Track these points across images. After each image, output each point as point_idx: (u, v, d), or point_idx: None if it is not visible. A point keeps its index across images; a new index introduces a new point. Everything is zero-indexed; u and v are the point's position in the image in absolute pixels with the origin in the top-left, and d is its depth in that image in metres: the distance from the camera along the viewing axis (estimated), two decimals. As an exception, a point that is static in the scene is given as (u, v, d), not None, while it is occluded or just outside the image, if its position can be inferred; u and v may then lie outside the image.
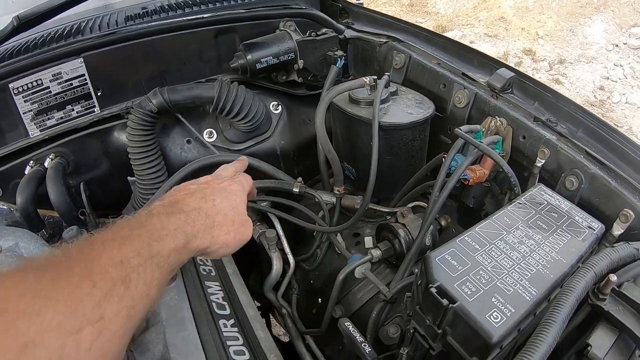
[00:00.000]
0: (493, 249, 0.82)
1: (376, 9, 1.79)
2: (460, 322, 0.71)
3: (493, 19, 6.92)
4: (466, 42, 6.10)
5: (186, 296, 0.95)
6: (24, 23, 1.24)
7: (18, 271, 0.46)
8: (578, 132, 1.12)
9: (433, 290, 0.73)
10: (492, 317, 0.69)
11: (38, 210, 1.28)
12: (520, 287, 0.74)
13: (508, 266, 0.78)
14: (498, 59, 1.36)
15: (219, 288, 1.05)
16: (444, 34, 1.59)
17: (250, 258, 1.65)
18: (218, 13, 1.57)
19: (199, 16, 1.53)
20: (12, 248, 1.08)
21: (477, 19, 7.10)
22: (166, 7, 1.65)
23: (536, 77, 5.61)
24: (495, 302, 0.71)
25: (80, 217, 1.32)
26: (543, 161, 1.09)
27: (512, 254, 0.81)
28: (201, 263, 1.10)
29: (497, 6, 7.06)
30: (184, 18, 1.51)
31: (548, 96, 1.20)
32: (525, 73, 1.28)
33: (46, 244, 1.11)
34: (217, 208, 0.74)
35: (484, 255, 0.81)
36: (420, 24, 7.03)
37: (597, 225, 0.90)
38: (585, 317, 0.83)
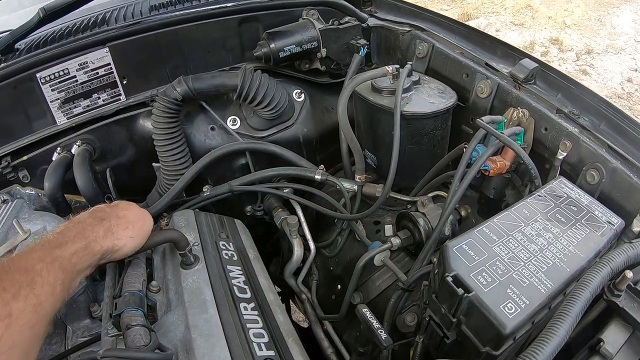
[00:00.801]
0: (511, 240, 0.83)
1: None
2: (475, 312, 0.72)
3: (520, 7, 6.77)
4: (492, 31, 6.01)
5: (208, 279, 0.98)
6: (50, 14, 1.27)
7: None
8: (601, 125, 1.10)
9: (449, 279, 0.74)
10: (506, 308, 0.70)
11: (65, 196, 1.32)
12: (536, 280, 0.75)
13: (525, 258, 0.79)
14: (523, 48, 1.34)
15: (241, 272, 1.07)
16: (469, 22, 1.57)
17: (272, 244, 1.68)
18: (241, 2, 1.58)
19: (222, 5, 1.54)
20: (40, 232, 1.12)
21: (503, 6, 6.95)
22: (190, -4, 1.67)
23: (563, 67, 5.48)
24: (511, 294, 0.72)
25: (107, 202, 1.35)
26: (564, 154, 1.08)
27: (529, 246, 0.82)
28: (223, 248, 1.12)
29: (524, -7, 6.92)
30: (208, 7, 1.53)
31: (571, 88, 1.18)
32: (550, 64, 1.26)
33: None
34: (109, 214, 0.88)
35: (501, 247, 0.81)
36: (445, 11, 6.94)
37: (617, 221, 0.90)
38: (600, 312, 0.83)
